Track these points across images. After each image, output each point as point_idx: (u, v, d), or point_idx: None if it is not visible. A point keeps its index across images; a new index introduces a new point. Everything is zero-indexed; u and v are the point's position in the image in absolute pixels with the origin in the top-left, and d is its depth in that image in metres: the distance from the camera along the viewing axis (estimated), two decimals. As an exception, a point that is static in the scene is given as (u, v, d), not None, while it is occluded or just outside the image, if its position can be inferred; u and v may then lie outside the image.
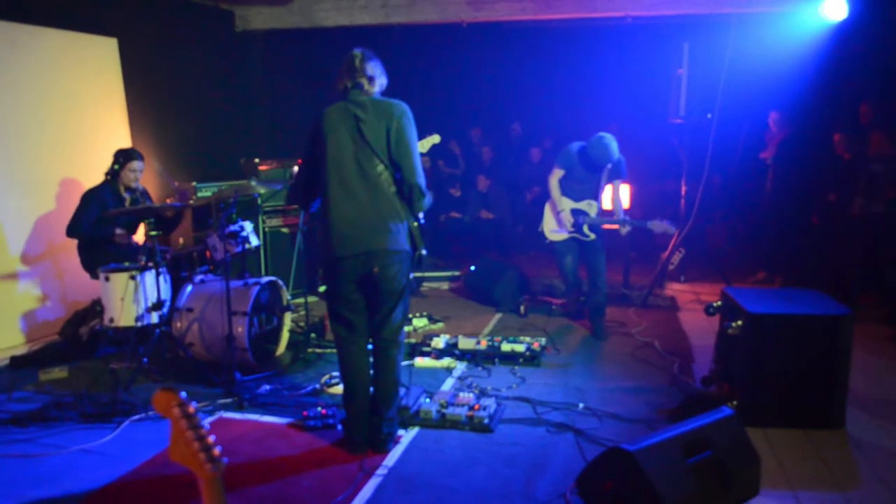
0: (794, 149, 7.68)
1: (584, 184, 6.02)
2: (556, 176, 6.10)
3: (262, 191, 5.83)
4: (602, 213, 6.15)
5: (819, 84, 7.66)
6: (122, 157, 5.76)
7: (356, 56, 3.89)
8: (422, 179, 3.85)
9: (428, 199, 3.90)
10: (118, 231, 5.69)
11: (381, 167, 3.80)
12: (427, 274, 8.45)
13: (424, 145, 5.11)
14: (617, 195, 6.13)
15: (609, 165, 5.93)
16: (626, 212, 6.30)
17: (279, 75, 9.13)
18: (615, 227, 6.05)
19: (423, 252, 3.99)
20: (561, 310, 6.97)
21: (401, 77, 4.18)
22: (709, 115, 7.26)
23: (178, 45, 7.69)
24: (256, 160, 7.51)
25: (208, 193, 6.97)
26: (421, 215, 4.00)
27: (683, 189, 7.80)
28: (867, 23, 6.99)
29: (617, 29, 9.03)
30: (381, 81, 3.94)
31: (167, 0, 7.63)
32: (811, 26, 7.32)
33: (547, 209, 6.23)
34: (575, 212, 6.03)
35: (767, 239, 8.17)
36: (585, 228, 5.98)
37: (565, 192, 6.07)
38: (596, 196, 6.02)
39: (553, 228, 6.18)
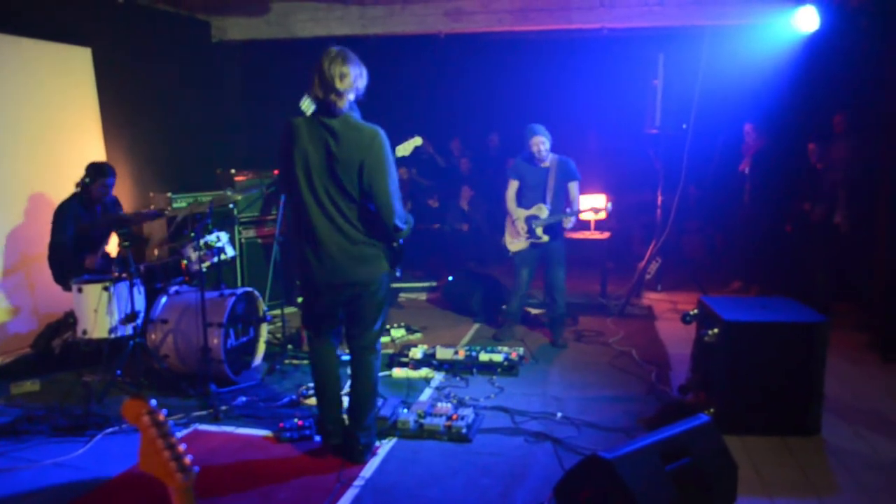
0: (770, 159, 7.76)
1: (535, 189, 6.20)
2: (511, 188, 6.32)
3: (239, 198, 5.77)
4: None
5: (793, 94, 7.75)
6: (94, 171, 5.69)
7: (326, 65, 3.61)
8: (399, 219, 3.78)
9: (407, 230, 3.87)
10: (88, 258, 5.64)
11: (354, 204, 3.75)
12: (405, 284, 8.43)
13: (407, 148, 5.14)
14: (575, 194, 6.25)
15: (546, 162, 6.10)
16: (605, 220, 6.40)
17: (256, 86, 9.08)
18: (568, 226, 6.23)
19: (398, 274, 4.02)
20: (545, 318, 6.98)
21: (378, 89, 4.13)
22: (684, 126, 7.32)
23: (153, 55, 7.61)
24: (233, 171, 7.45)
25: (184, 204, 6.91)
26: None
27: (660, 199, 7.85)
28: (839, 34, 7.08)
29: (593, 41, 9.08)
30: (357, 86, 3.71)
31: (142, 10, 7.55)
32: (784, 38, 7.41)
33: (507, 222, 6.41)
34: (528, 218, 6.19)
35: (743, 248, 8.23)
36: (539, 231, 6.11)
37: (520, 203, 6.27)
38: (545, 199, 6.15)
39: (511, 240, 6.33)
